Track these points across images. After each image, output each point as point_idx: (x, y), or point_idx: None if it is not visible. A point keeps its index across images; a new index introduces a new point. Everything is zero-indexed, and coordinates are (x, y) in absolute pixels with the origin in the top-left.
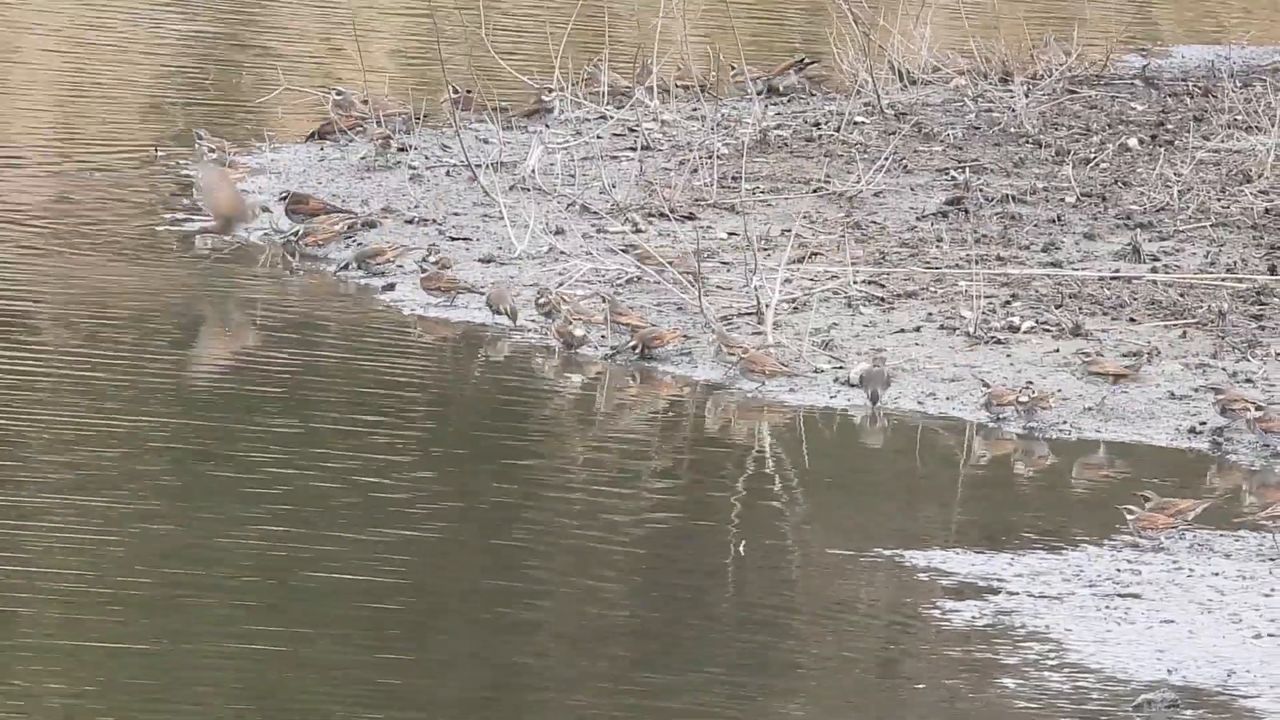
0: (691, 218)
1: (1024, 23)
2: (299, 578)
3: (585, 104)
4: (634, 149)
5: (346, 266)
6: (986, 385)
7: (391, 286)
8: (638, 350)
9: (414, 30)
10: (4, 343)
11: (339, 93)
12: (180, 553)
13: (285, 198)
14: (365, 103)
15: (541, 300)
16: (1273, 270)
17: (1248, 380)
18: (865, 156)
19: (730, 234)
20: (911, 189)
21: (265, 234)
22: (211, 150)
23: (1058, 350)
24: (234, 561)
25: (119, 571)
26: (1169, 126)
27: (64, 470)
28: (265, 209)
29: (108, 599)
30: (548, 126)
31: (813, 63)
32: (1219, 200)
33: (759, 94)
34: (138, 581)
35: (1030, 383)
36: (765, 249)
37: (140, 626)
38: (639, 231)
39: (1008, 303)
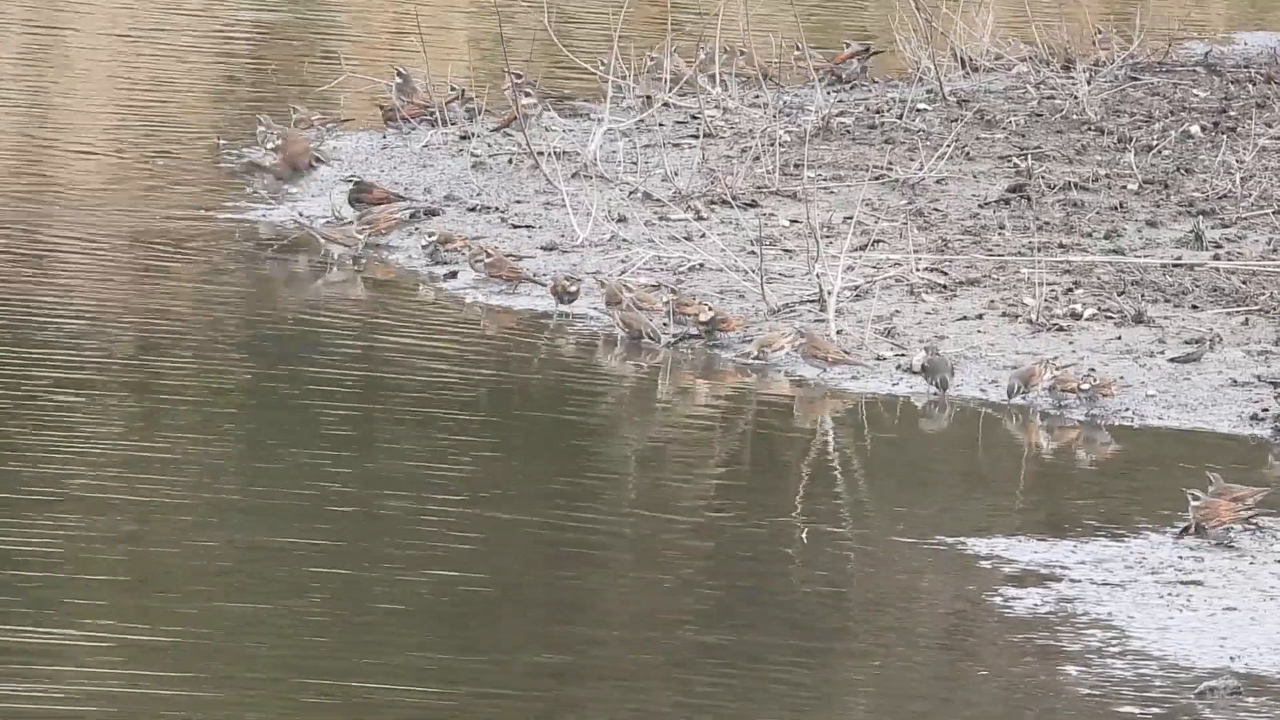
0: (754, 205)
1: (1086, 9)
2: (358, 564)
3: (639, 92)
4: (696, 136)
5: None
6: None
7: (454, 274)
8: (705, 327)
9: (479, 18)
10: (66, 329)
11: (400, 73)
12: (238, 538)
13: (353, 185)
14: (431, 89)
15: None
16: None
17: None
18: (927, 144)
19: (792, 221)
20: (974, 176)
21: (327, 220)
22: (275, 137)
23: (1120, 337)
24: (293, 548)
25: (179, 553)
26: (1231, 113)
27: (122, 454)
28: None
29: (170, 581)
30: (549, 129)
31: (878, 51)
32: None
33: (822, 82)
34: (198, 562)
35: (1092, 369)
36: (827, 236)
37: (201, 609)
38: (701, 219)
39: (1070, 290)
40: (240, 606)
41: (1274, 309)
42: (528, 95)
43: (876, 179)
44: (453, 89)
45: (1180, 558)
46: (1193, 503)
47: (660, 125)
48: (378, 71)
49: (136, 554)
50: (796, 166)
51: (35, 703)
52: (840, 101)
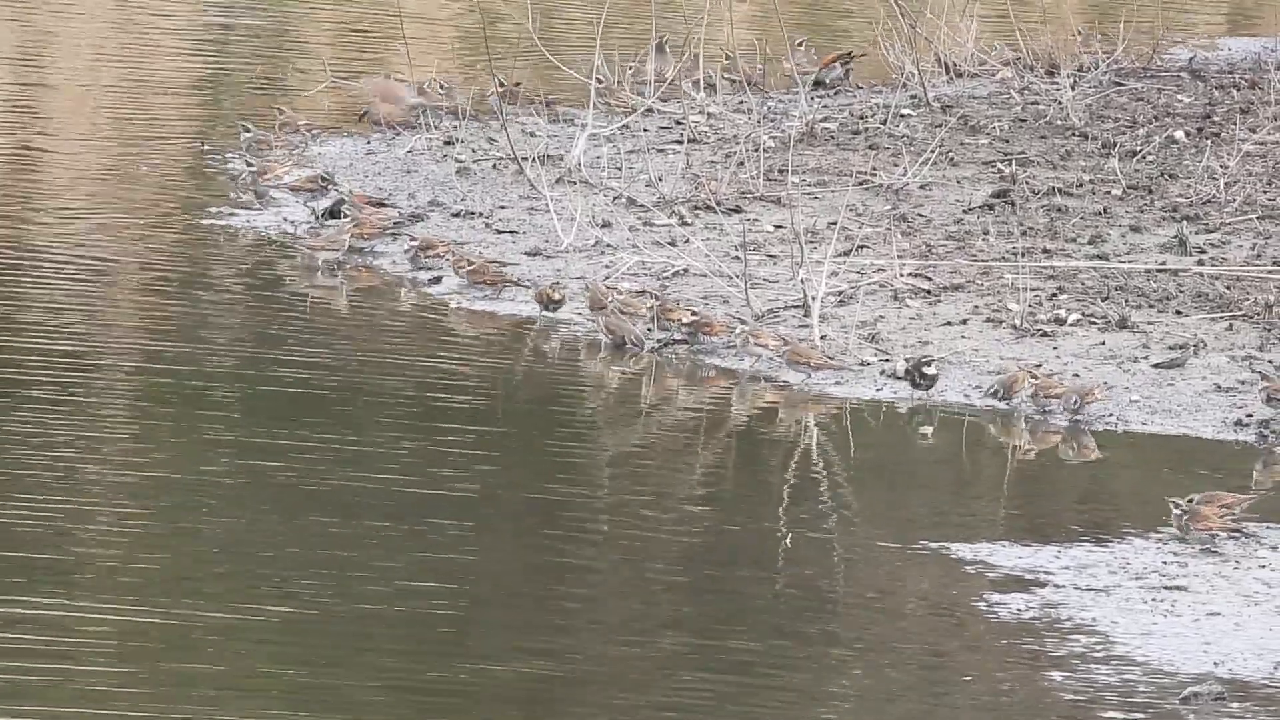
0: (738, 211)
1: (1070, 15)
2: (342, 566)
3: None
4: (680, 142)
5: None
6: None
7: (438, 280)
8: (688, 331)
9: (463, 24)
10: (52, 335)
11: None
12: (221, 540)
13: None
14: (426, 91)
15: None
16: None
17: None
18: (911, 149)
19: (776, 227)
20: (957, 182)
21: (310, 226)
22: (257, 145)
23: (1104, 343)
24: (277, 551)
25: (166, 562)
26: (1215, 119)
27: (115, 466)
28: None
29: (152, 589)
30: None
31: (861, 55)
32: (1265, 193)
33: (806, 87)
34: (182, 570)
35: (1076, 375)
36: (811, 242)
37: (184, 615)
38: (685, 224)
39: (1054, 295)
40: (224, 609)
41: (1258, 314)
42: (511, 101)
43: (861, 184)
44: (441, 88)
45: (1164, 563)
46: (1175, 512)
47: (644, 130)
48: (362, 76)
49: (127, 543)
50: (781, 172)
51: (28, 675)
52: (824, 107)
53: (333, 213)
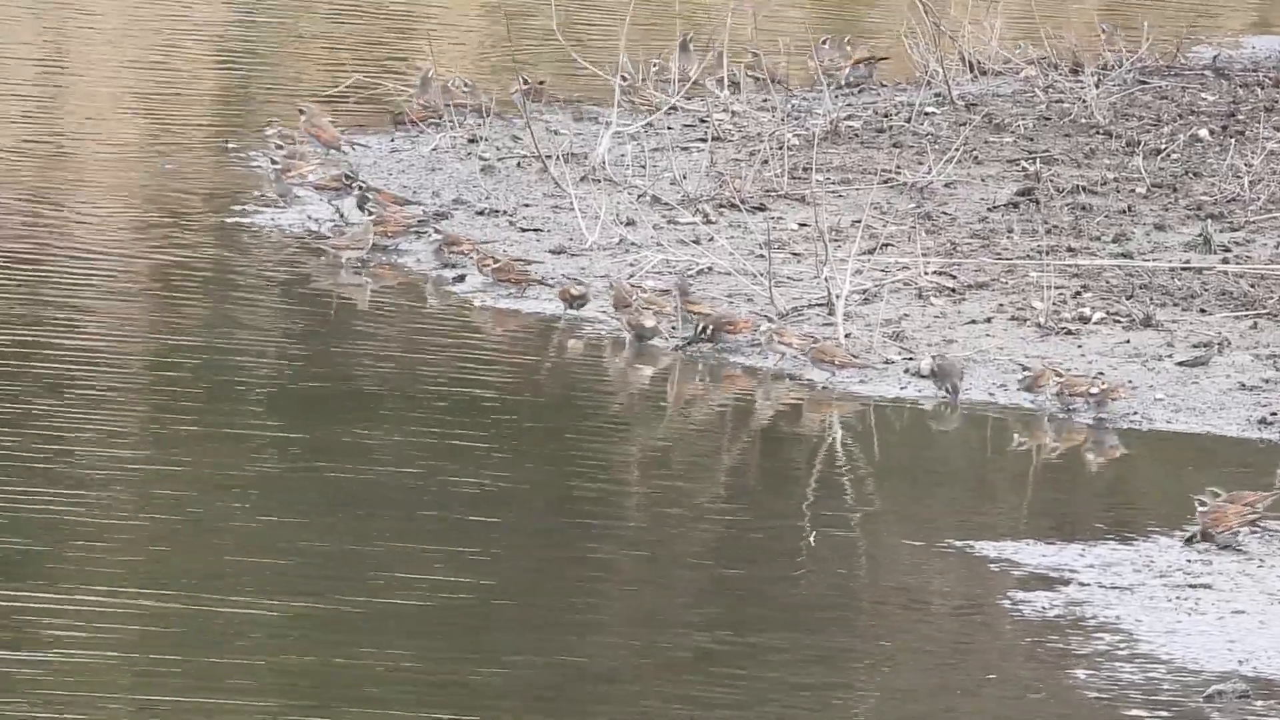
0: (762, 209)
1: (1094, 13)
2: (364, 565)
3: (645, 100)
4: (704, 140)
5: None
6: (1027, 369)
7: (462, 278)
8: (708, 332)
9: (488, 21)
10: (78, 332)
11: (426, 75)
12: (243, 537)
13: (360, 190)
14: (449, 89)
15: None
16: None
17: None
18: (935, 147)
19: (801, 225)
20: (982, 180)
21: (334, 224)
22: (281, 143)
23: (1129, 341)
24: (296, 548)
25: (187, 555)
26: (1240, 117)
27: (140, 461)
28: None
29: (174, 582)
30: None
31: (883, 59)
32: None
33: (830, 86)
34: (203, 563)
35: (1101, 373)
36: (836, 240)
37: (205, 608)
38: (710, 223)
39: (1078, 293)
40: (245, 602)
41: None
42: (535, 99)
43: (885, 183)
44: (466, 85)
45: (1189, 561)
46: (1200, 509)
47: (668, 129)
48: (387, 74)
49: (150, 536)
50: (805, 170)
51: (52, 664)
52: (848, 105)
53: (360, 203)
